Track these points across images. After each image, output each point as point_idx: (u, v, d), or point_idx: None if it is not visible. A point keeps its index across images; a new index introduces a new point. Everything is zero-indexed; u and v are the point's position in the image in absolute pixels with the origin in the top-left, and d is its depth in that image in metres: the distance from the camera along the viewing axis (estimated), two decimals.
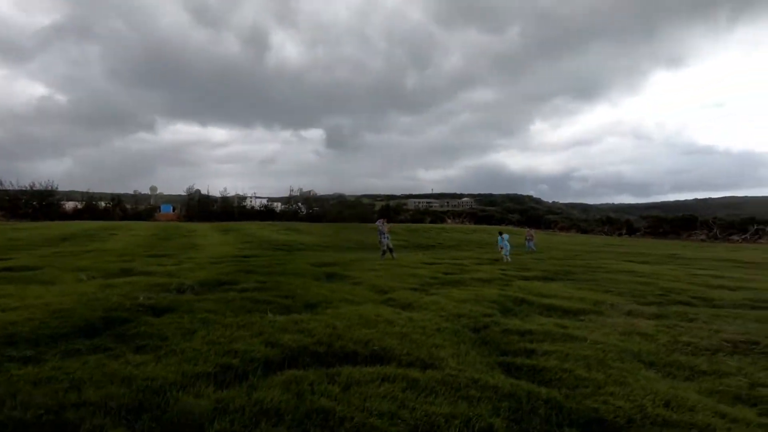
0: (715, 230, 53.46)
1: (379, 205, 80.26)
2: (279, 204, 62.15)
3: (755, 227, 50.30)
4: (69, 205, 53.21)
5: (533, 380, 3.50)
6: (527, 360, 3.96)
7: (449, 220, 69.88)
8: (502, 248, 15.50)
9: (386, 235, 14.66)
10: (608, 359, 3.96)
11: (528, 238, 23.91)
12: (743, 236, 49.63)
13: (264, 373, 3.50)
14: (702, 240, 51.50)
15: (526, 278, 9.95)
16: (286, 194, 62.29)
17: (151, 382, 3.08)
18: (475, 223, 67.05)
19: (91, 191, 57.03)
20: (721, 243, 46.17)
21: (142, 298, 6.05)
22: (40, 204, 46.86)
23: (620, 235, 60.62)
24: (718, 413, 2.90)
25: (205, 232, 29.11)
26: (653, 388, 3.25)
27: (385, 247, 14.64)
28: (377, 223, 15.39)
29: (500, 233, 16.17)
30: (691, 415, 2.85)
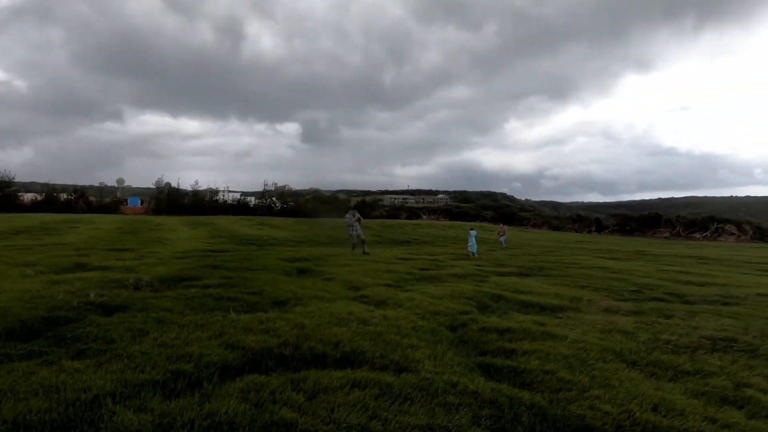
0: (678, 228, 55.73)
1: (354, 200, 79.69)
2: (253, 198, 60.71)
3: (715, 226, 52.73)
4: (27, 197, 50.36)
5: (515, 383, 3.28)
6: (507, 361, 3.74)
7: (424, 217, 70.12)
8: (468, 245, 15.34)
9: (355, 227, 13.94)
10: (590, 359, 3.78)
11: (500, 233, 24.30)
12: (704, 234, 51.95)
13: (221, 379, 3.14)
14: (666, 237, 53.58)
15: (501, 274, 9.85)
16: (260, 188, 60.95)
17: (85, 394, 2.67)
18: (450, 220, 67.56)
19: (52, 183, 54.20)
20: (683, 240, 48.14)
21: (92, 296, 5.53)
22: None
23: (590, 232, 62.37)
24: (708, 418, 2.75)
25: (173, 226, 27.99)
26: (639, 391, 3.08)
27: (355, 240, 13.94)
28: (346, 217, 14.34)
29: (471, 230, 16.07)
30: (681, 420, 2.68)
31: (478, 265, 11.28)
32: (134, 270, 8.22)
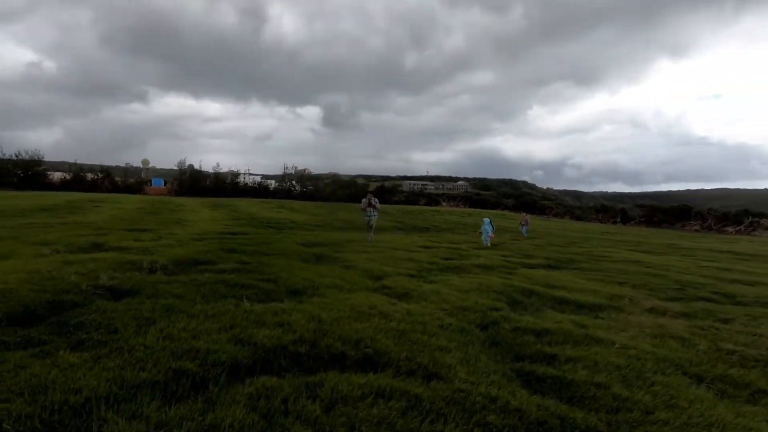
0: (709, 221, 53.42)
1: (373, 185, 79.19)
2: (273, 181, 60.91)
3: (750, 219, 50.29)
4: (56, 176, 51.67)
5: (561, 398, 2.84)
6: (550, 369, 3.29)
7: (444, 203, 69.22)
8: (480, 233, 14.68)
9: (371, 212, 13.12)
10: (646, 371, 3.30)
11: (522, 223, 23.35)
12: (737, 228, 49.65)
13: (228, 381, 2.80)
14: (696, 230, 51.46)
15: (529, 266, 9.32)
16: (280, 172, 61.01)
17: (75, 396, 2.36)
18: (470, 207, 66.56)
19: (79, 162, 55.44)
20: (715, 234, 46.10)
21: (103, 279, 5.30)
22: (25, 174, 45.37)
23: (614, 223, 60.47)
24: None
25: (194, 207, 28.16)
26: (715, 416, 2.61)
27: (368, 225, 13.13)
28: (363, 201, 13.48)
29: (485, 218, 15.26)
30: None
31: (504, 256, 10.75)
32: (150, 251, 8.03)
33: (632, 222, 59.97)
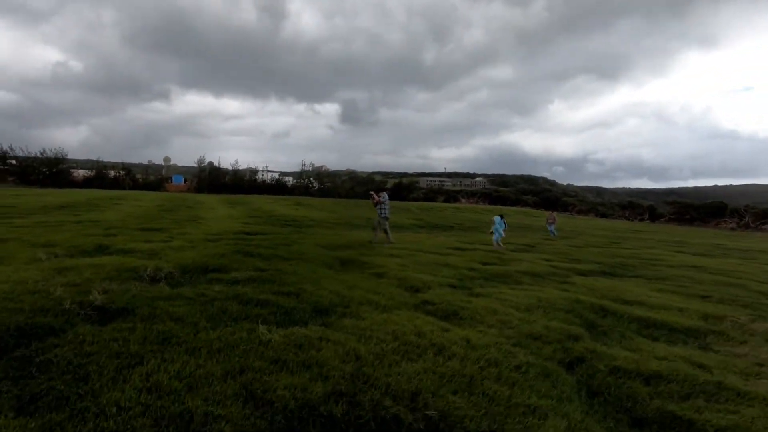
0: (746, 219, 50.58)
1: (391, 182, 78.16)
2: (291, 178, 60.58)
3: None
4: (80, 174, 52.29)
5: None
6: None
7: (463, 200, 67.74)
8: (492, 233, 13.20)
9: (382, 206, 11.65)
10: None
11: (550, 221, 21.76)
12: None
13: None
14: (732, 228, 48.75)
15: (581, 273, 8.18)
16: (298, 169, 60.62)
17: None
18: (490, 204, 64.93)
19: (102, 160, 56.01)
20: (753, 232, 43.53)
21: (94, 293, 4.45)
22: (50, 171, 45.98)
23: (641, 220, 57.98)
24: None
25: (212, 204, 27.70)
26: None
27: (384, 224, 11.68)
28: (376, 199, 11.88)
29: (501, 216, 13.84)
30: None
31: (548, 260, 9.62)
32: (158, 255, 7.23)
33: (662, 219, 57.42)
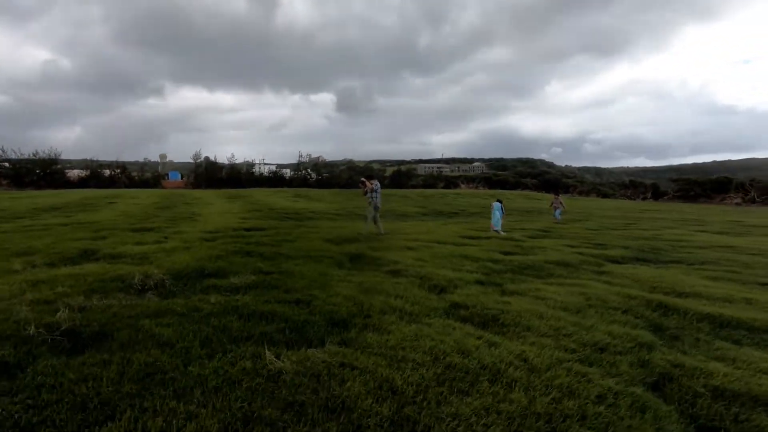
0: (752, 194, 49.90)
1: (390, 170, 77.22)
2: (288, 170, 59.64)
3: None
4: (74, 173, 51.30)
5: None
6: None
7: (463, 186, 66.85)
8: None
9: (374, 195, 10.83)
10: None
11: (554, 205, 20.42)
12: None
13: None
14: (737, 204, 48.10)
15: (612, 260, 7.50)
16: (295, 160, 59.64)
17: None
18: (490, 188, 64.12)
19: (97, 159, 54.96)
20: (760, 207, 42.89)
21: (65, 313, 3.72)
22: (44, 172, 45.06)
23: (644, 199, 57.25)
24: None
25: (209, 199, 26.91)
26: None
27: (370, 216, 10.92)
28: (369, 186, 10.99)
29: (494, 202, 13.17)
30: None
31: (571, 246, 8.93)
32: (148, 259, 6.52)
33: (665, 197, 56.71)
